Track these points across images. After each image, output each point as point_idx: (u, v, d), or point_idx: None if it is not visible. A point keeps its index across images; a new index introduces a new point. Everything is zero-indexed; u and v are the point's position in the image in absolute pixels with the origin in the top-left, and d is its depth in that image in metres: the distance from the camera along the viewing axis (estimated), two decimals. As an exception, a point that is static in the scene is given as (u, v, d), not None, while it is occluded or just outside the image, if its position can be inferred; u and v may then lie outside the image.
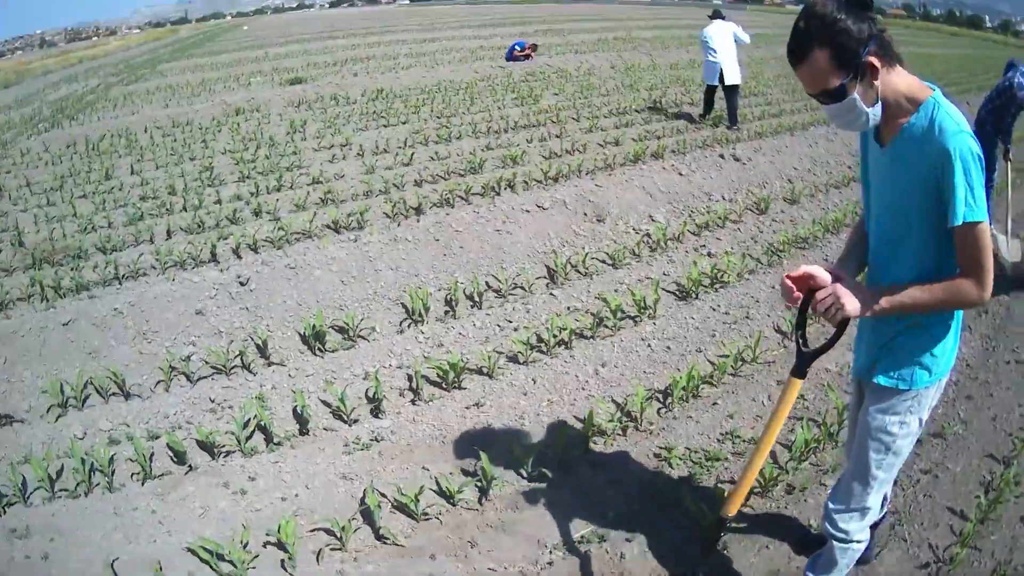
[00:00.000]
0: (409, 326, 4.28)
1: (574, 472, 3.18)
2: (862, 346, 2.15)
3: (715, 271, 5.26)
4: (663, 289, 4.96)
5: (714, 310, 4.88)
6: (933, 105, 1.79)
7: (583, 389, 3.78)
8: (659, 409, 3.68)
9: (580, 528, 2.90)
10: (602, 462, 3.24)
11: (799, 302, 1.93)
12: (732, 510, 2.12)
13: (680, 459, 3.34)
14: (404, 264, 4.78)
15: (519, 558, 2.74)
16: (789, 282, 1.93)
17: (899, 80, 1.81)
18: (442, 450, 3.35)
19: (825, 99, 1.78)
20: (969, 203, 1.72)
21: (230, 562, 2.66)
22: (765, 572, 2.75)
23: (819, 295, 1.87)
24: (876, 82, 1.77)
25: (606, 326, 4.33)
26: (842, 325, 1.90)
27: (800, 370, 1.97)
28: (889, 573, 2.87)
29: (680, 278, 5.13)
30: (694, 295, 4.97)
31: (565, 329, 4.10)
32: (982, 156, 1.76)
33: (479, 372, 3.76)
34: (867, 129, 1.88)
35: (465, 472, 3.20)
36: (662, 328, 4.49)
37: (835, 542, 2.26)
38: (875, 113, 1.81)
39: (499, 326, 4.22)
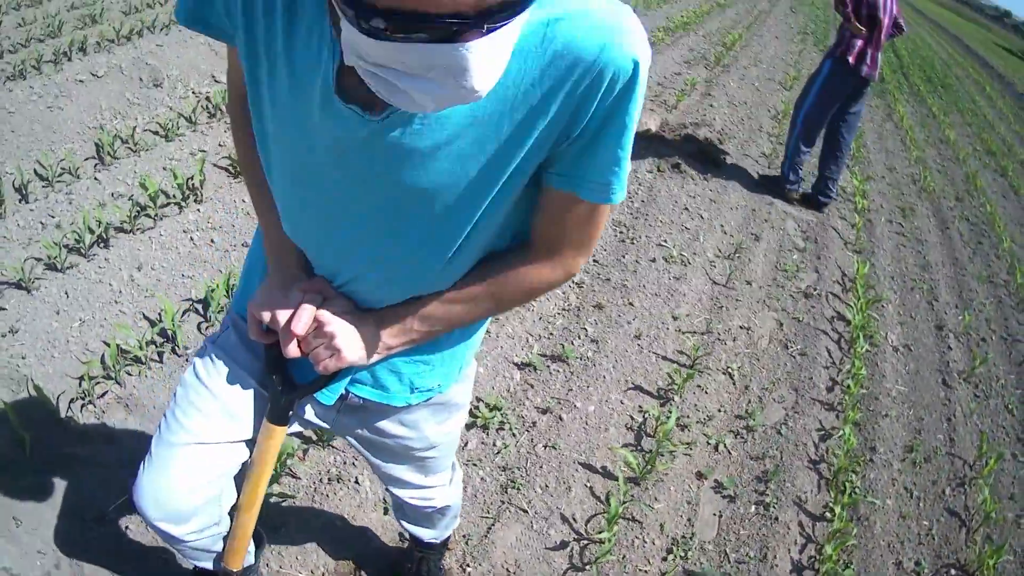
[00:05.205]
0: (-47, 228, 3.52)
1: (100, 421, 2.46)
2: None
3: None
4: (216, 166, 4.12)
5: (268, 191, 4.00)
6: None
7: (116, 303, 3.03)
8: (199, 324, 2.95)
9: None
10: (131, 404, 2.56)
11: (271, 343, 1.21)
12: (235, 564, 1.50)
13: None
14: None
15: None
16: (259, 315, 1.14)
17: None
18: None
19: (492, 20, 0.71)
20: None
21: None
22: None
23: (309, 342, 1.12)
24: None
25: (148, 215, 3.55)
26: None
27: (278, 415, 1.29)
28: (508, 556, 2.31)
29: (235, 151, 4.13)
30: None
31: (101, 224, 3.33)
32: None
33: (17, 286, 2.99)
34: None
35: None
36: (208, 215, 3.69)
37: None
38: None
39: (42, 223, 3.46)
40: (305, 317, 1.08)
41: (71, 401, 2.51)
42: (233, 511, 1.43)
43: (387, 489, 1.74)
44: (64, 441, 2.36)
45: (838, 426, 3.45)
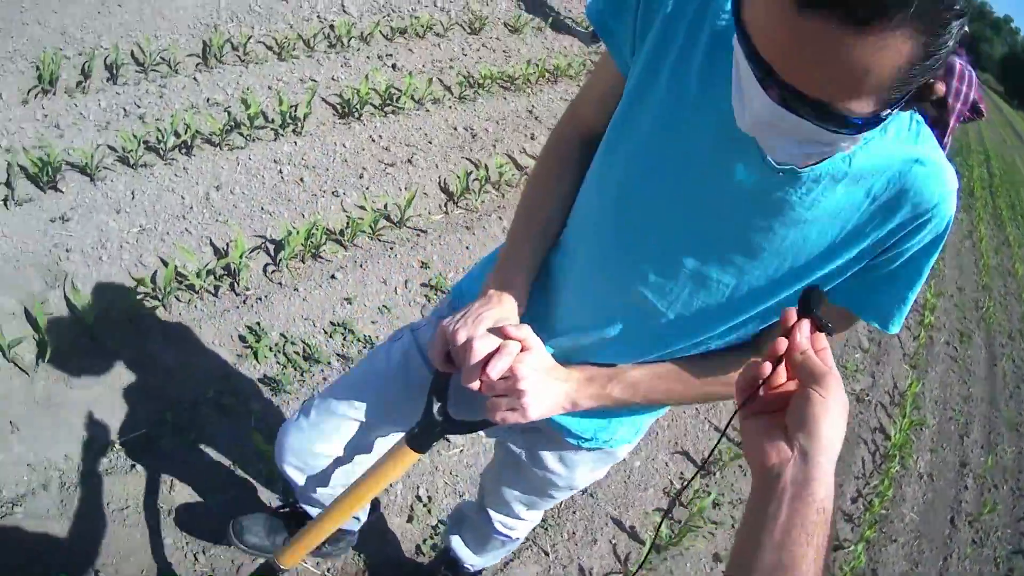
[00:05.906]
0: (36, 96, 3.13)
1: (130, 343, 2.29)
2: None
3: (390, 91, 4.06)
4: (324, 100, 3.87)
5: (374, 140, 3.76)
6: None
7: (184, 218, 2.80)
8: (266, 266, 2.75)
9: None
10: (171, 333, 2.38)
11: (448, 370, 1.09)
12: (288, 562, 1.49)
13: (270, 350, 2.48)
14: (53, 19, 3.57)
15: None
16: (453, 337, 1.02)
17: None
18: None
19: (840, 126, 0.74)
20: None
21: None
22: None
23: (493, 386, 1.00)
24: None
25: (240, 133, 3.29)
26: None
27: (421, 442, 1.18)
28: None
29: (347, 89, 3.95)
30: (357, 115, 3.84)
31: (190, 129, 3.08)
32: None
33: (81, 171, 2.74)
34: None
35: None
36: (304, 151, 3.44)
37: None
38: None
39: (124, 109, 3.17)
40: (503, 364, 0.99)
41: (108, 313, 2.31)
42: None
43: (480, 507, 1.70)
44: (89, 356, 2.17)
45: (851, 539, 3.36)
